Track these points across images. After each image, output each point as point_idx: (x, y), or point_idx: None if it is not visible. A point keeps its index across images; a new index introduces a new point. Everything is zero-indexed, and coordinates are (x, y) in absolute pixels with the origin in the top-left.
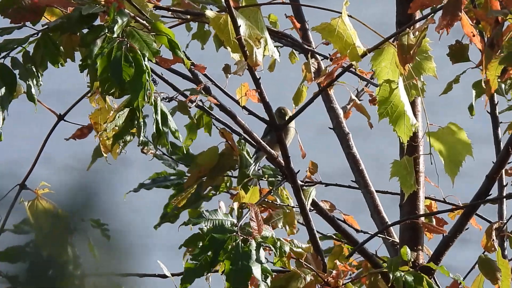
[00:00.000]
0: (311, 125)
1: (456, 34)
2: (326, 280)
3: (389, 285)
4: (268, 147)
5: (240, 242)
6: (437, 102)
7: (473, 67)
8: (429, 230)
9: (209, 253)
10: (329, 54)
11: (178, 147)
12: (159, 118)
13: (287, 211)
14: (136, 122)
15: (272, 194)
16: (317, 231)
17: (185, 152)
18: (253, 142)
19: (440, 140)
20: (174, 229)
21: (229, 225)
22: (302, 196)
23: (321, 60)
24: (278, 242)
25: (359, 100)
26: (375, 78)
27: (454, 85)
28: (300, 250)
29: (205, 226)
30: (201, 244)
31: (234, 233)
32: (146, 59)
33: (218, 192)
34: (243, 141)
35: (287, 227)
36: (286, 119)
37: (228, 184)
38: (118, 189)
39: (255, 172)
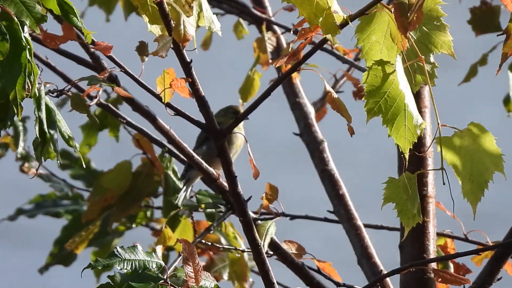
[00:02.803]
0: (267, 130)
1: None
2: None
3: None
4: (204, 163)
5: None
6: (453, 94)
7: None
8: (444, 281)
9: None
10: (293, 25)
11: (74, 158)
12: (43, 116)
13: (236, 255)
14: (9, 123)
15: (212, 231)
16: (279, 283)
17: (84, 165)
18: (182, 156)
19: (457, 149)
20: (72, 274)
21: (154, 269)
22: (256, 235)
23: (282, 33)
24: None
25: (337, 91)
26: (361, 59)
27: (479, 67)
28: None
29: (121, 269)
30: None
31: (161, 282)
32: (26, 29)
33: (134, 225)
34: (167, 155)
35: (236, 280)
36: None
37: (149, 213)
38: None
39: (186, 201)
